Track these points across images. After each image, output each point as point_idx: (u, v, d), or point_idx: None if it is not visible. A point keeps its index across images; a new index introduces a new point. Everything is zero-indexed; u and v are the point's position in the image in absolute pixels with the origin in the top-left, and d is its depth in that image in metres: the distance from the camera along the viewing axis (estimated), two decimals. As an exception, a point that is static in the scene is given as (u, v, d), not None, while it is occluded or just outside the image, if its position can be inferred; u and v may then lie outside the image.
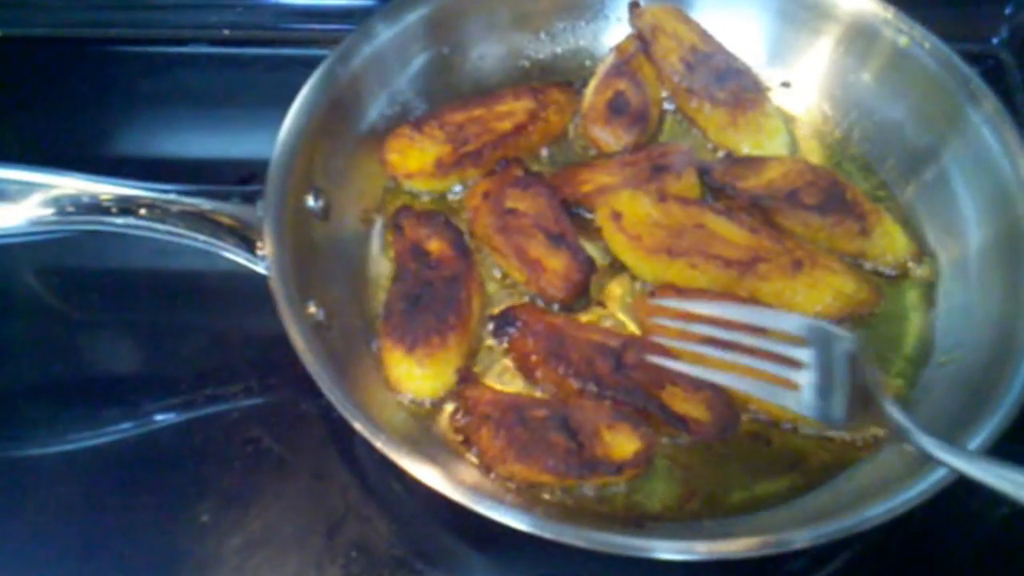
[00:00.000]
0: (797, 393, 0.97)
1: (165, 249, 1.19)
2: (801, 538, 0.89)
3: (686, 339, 1.04)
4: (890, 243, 1.16)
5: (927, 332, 1.13)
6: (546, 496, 1.00)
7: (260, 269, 1.04)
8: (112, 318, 1.23)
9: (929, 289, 1.16)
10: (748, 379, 0.99)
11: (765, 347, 0.99)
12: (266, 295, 1.03)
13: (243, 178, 1.28)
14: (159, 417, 1.12)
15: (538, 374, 1.07)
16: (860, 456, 1.03)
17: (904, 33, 1.23)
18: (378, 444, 0.91)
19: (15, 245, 1.24)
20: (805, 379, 0.97)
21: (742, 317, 1.02)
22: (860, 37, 1.27)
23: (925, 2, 1.25)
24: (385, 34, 1.25)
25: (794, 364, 0.98)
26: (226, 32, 1.50)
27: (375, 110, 1.25)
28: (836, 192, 1.18)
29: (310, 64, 1.19)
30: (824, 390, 0.97)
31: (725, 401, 1.03)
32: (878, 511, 0.89)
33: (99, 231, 1.08)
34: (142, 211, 1.07)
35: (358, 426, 0.92)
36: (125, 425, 1.12)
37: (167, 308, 1.23)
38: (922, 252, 1.18)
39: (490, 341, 1.12)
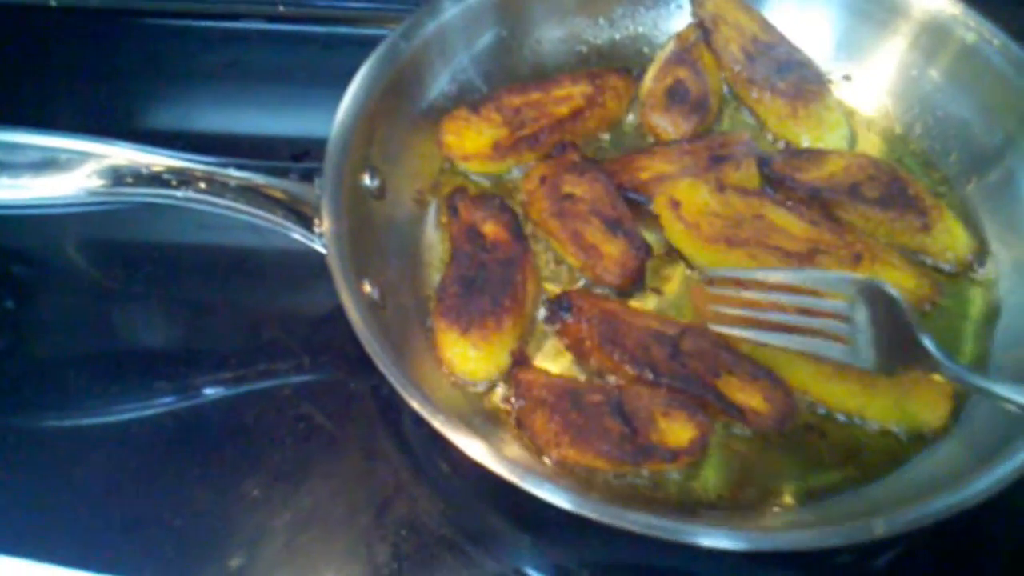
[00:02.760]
0: (848, 346, 0.99)
1: (209, 225, 1.21)
2: (851, 532, 0.89)
3: (743, 323, 1.04)
4: (951, 239, 1.15)
5: (988, 329, 1.12)
6: (599, 481, 0.99)
7: (316, 246, 1.04)
8: (158, 293, 1.22)
9: (990, 286, 1.15)
10: (799, 337, 1.01)
11: (814, 306, 1.01)
12: (314, 274, 1.04)
13: (296, 155, 1.28)
14: (209, 391, 1.11)
15: (592, 359, 1.07)
16: (918, 451, 1.02)
17: (973, 30, 1.22)
18: (435, 423, 0.91)
19: (59, 218, 1.25)
20: (854, 332, 0.99)
21: (790, 280, 1.04)
22: (929, 33, 1.26)
23: (996, 0, 1.23)
24: (451, 11, 1.25)
25: (842, 319, 1.00)
26: (281, 8, 1.50)
27: (435, 89, 1.25)
28: (897, 187, 1.17)
29: (364, 43, 1.19)
30: (873, 340, 0.98)
31: (783, 392, 1.02)
32: (943, 504, 0.88)
33: (155, 203, 1.08)
34: (201, 184, 1.07)
35: (415, 404, 0.92)
36: (175, 398, 1.11)
37: (214, 285, 1.23)
38: (983, 249, 1.17)
39: (544, 325, 1.11)
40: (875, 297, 0.98)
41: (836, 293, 1.01)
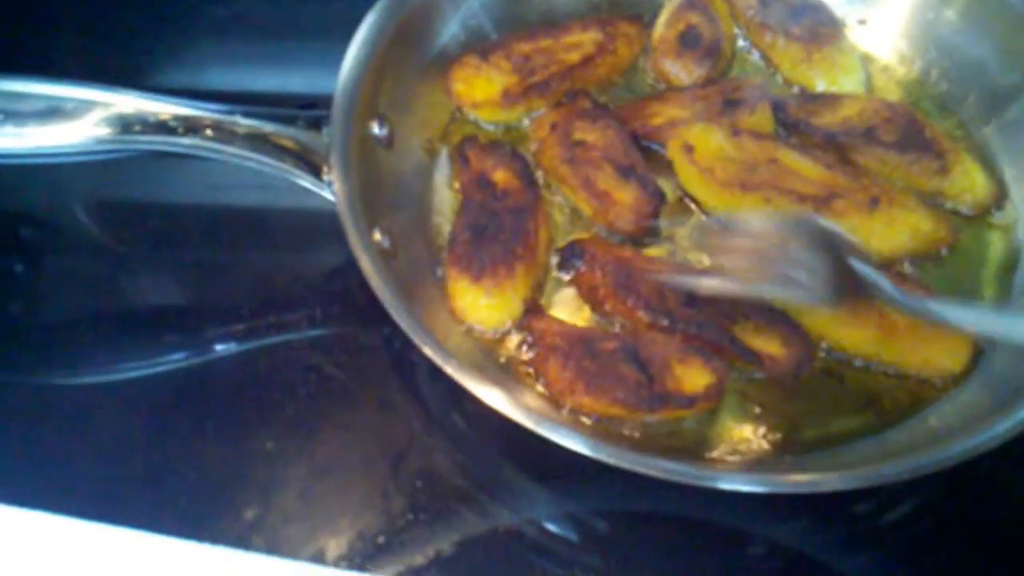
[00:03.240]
0: (804, 286, 0.98)
1: (217, 183, 1.20)
2: (872, 475, 0.89)
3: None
4: (969, 182, 1.13)
5: (1006, 271, 1.10)
6: (614, 430, 0.98)
7: (326, 194, 1.03)
8: (167, 250, 1.22)
9: (1008, 229, 1.13)
10: (760, 284, 1.00)
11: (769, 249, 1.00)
12: (323, 229, 1.04)
13: (302, 106, 1.26)
14: (220, 346, 1.11)
15: (607, 307, 1.05)
16: (937, 396, 1.01)
17: (990, -32, 1.19)
18: (449, 370, 0.90)
19: (66, 178, 1.25)
20: (806, 271, 0.98)
21: (745, 229, 1.03)
22: (944, -25, 1.24)
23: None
24: (462, -49, 1.23)
25: (795, 260, 0.99)
26: (286, -40, 1.48)
27: (445, 35, 1.23)
28: (914, 130, 1.15)
29: (373, -5, 1.17)
30: (823, 275, 0.97)
31: (800, 337, 1.01)
32: (963, 447, 0.88)
33: (162, 152, 1.07)
34: (208, 132, 1.05)
35: (428, 351, 0.91)
36: (186, 353, 1.11)
37: (222, 241, 1.22)
38: (1002, 192, 1.15)
39: (557, 273, 1.10)
40: (816, 233, 0.97)
41: (787, 236, 1.00)
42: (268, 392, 1.06)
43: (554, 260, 1.10)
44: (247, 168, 1.06)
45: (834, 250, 0.96)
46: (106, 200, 1.26)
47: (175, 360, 1.10)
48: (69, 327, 1.15)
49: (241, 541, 0.96)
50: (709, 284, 1.01)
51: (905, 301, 0.94)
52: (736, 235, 1.02)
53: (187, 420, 1.05)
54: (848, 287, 0.96)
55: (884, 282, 0.94)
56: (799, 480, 0.89)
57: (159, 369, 1.10)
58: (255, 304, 1.14)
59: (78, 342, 1.13)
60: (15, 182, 1.24)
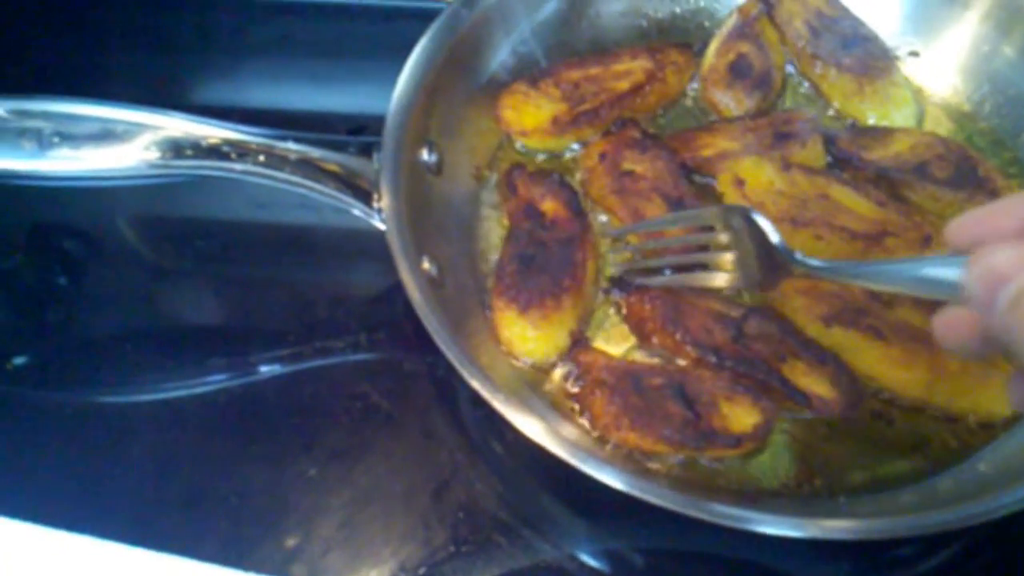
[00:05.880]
0: (728, 273, 1.02)
1: (263, 203, 1.20)
2: (919, 523, 0.87)
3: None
4: (1024, 221, 1.11)
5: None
6: (658, 466, 0.97)
7: (375, 222, 1.03)
8: (212, 269, 1.23)
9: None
10: (694, 275, 1.05)
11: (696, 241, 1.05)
12: (369, 252, 1.04)
13: (351, 131, 1.27)
14: (264, 368, 1.11)
15: (654, 340, 1.04)
16: (987, 442, 0.99)
17: (1050, 5, 1.18)
18: (495, 403, 0.89)
19: (111, 193, 1.26)
20: (730, 258, 1.01)
21: (673, 224, 1.08)
22: (1003, 7, 1.22)
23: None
24: (513, -22, 1.23)
25: (719, 248, 1.02)
26: (335, -21, 1.48)
27: (495, 61, 1.23)
28: (967, 166, 1.13)
29: (418, 16, 1.18)
30: (744, 262, 1.00)
31: (849, 378, 1.00)
32: (1014, 497, 0.86)
33: (212, 176, 1.07)
34: (259, 157, 1.05)
35: (475, 384, 0.90)
36: (230, 375, 1.11)
37: (268, 262, 1.23)
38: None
39: (604, 308, 1.09)
40: (739, 219, 0.98)
41: (714, 226, 1.02)
42: (312, 418, 1.06)
43: (605, 289, 1.10)
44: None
45: (758, 234, 0.96)
46: (151, 216, 1.27)
47: (218, 381, 1.11)
48: (111, 344, 1.16)
49: (281, 570, 0.96)
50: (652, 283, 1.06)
51: (822, 272, 0.94)
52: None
53: (229, 443, 1.06)
54: (774, 268, 0.97)
55: (805, 257, 0.95)
56: (844, 527, 0.88)
57: (201, 390, 1.10)
58: (300, 327, 1.14)
59: (119, 360, 1.14)
60: (59, 195, 1.25)
